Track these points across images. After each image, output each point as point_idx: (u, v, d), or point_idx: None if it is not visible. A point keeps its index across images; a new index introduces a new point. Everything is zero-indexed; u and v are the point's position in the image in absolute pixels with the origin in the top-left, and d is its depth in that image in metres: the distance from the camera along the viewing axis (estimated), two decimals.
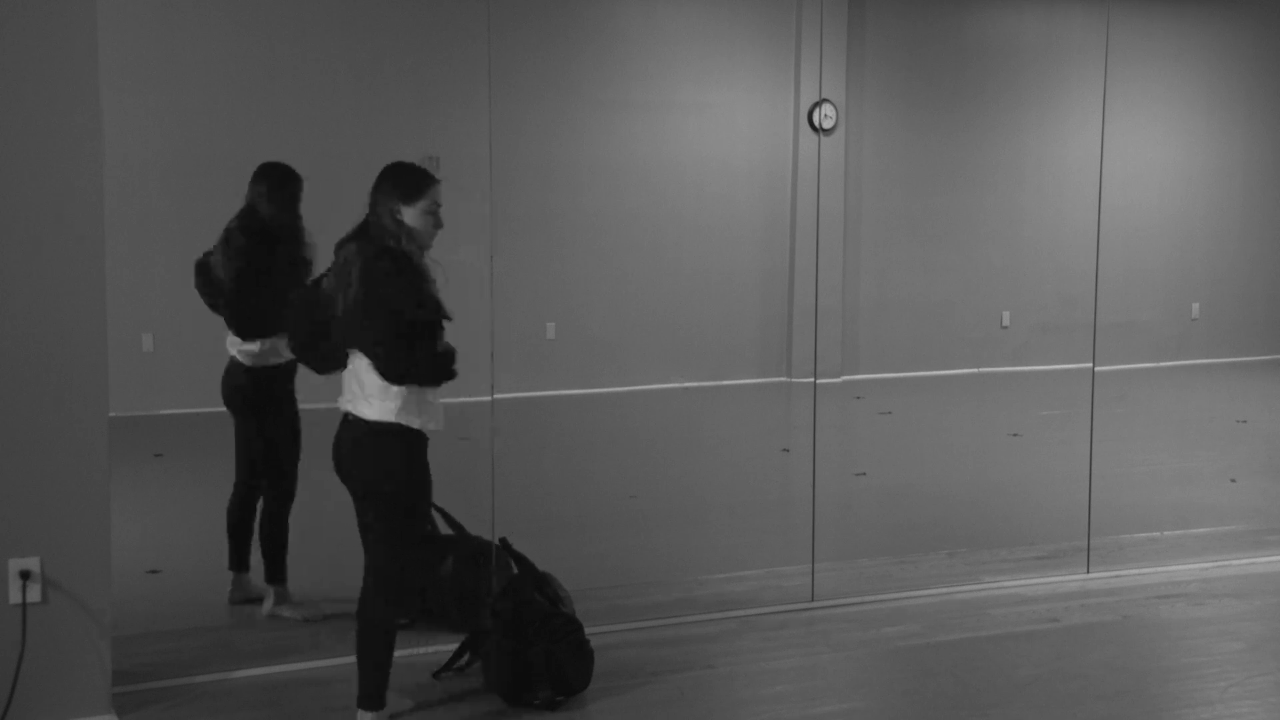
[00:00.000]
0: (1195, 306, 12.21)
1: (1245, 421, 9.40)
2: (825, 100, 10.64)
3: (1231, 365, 12.00)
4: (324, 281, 3.95)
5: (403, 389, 3.80)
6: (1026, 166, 11.54)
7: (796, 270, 10.86)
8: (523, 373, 9.61)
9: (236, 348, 4.92)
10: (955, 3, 11.28)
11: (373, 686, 3.92)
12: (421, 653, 4.56)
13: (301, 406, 5.01)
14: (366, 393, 3.83)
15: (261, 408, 4.92)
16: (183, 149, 9.10)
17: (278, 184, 4.94)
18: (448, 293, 3.88)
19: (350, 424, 3.89)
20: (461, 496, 5.03)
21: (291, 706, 4.18)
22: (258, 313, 4.78)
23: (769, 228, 10.90)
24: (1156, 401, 10.50)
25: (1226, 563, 5.83)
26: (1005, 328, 11.57)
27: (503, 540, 4.72)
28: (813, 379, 10.41)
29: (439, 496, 4.77)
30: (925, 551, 5.96)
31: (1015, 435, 8.90)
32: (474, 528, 5.02)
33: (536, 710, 4.15)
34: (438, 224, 3.91)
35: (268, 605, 4.98)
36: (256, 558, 5.11)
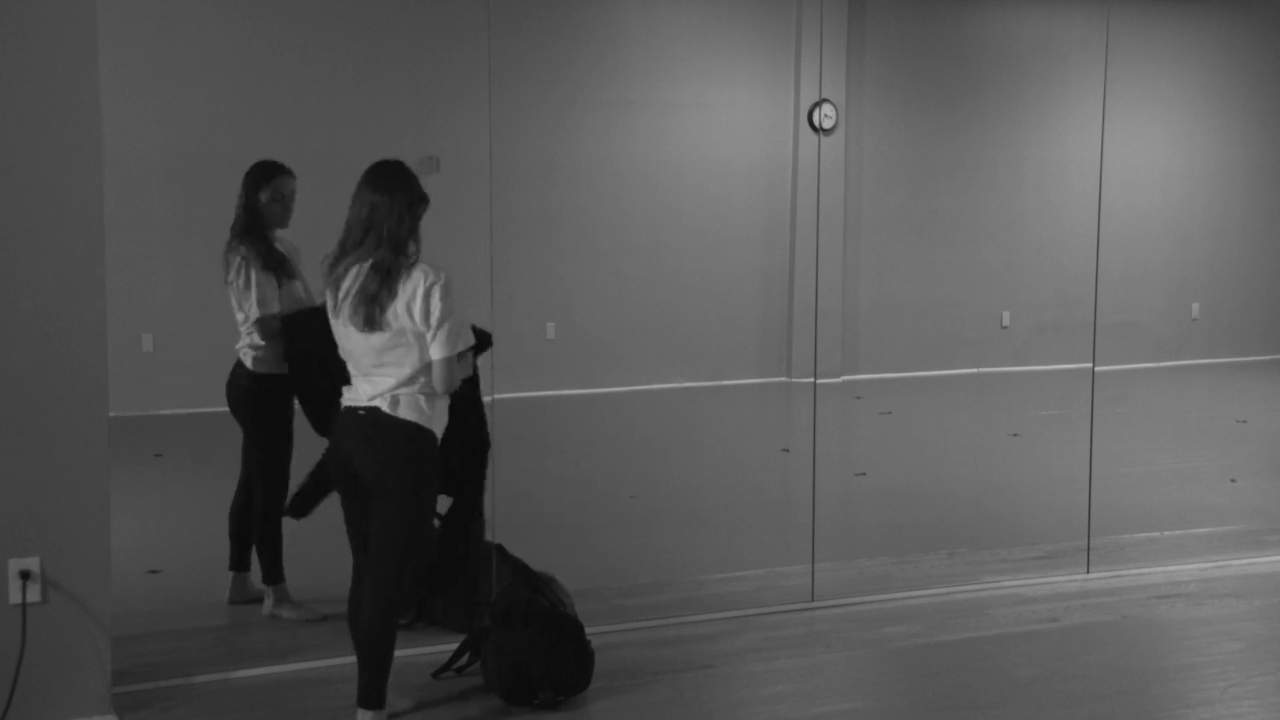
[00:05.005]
0: (1195, 306, 12.21)
1: (1245, 421, 9.40)
2: (825, 100, 10.64)
3: (1231, 365, 12.00)
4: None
5: (424, 395, 3.87)
6: (1026, 166, 11.54)
7: (796, 270, 10.86)
8: (523, 373, 9.61)
9: (244, 348, 4.92)
10: (955, 3, 11.28)
11: (374, 685, 3.92)
12: (421, 653, 4.55)
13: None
14: (388, 395, 3.88)
15: (266, 415, 4.92)
16: (183, 149, 9.09)
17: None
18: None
19: (373, 417, 3.88)
20: None
21: (291, 706, 4.18)
22: None
23: (769, 228, 10.90)
24: (1156, 401, 10.50)
25: (1226, 563, 5.83)
26: (1005, 328, 11.57)
27: (498, 547, 4.72)
28: (813, 379, 10.41)
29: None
30: (925, 551, 5.96)
31: (1015, 435, 8.90)
32: None
33: (536, 710, 4.14)
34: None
35: (268, 605, 4.99)
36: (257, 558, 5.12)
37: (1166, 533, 6.32)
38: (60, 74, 3.81)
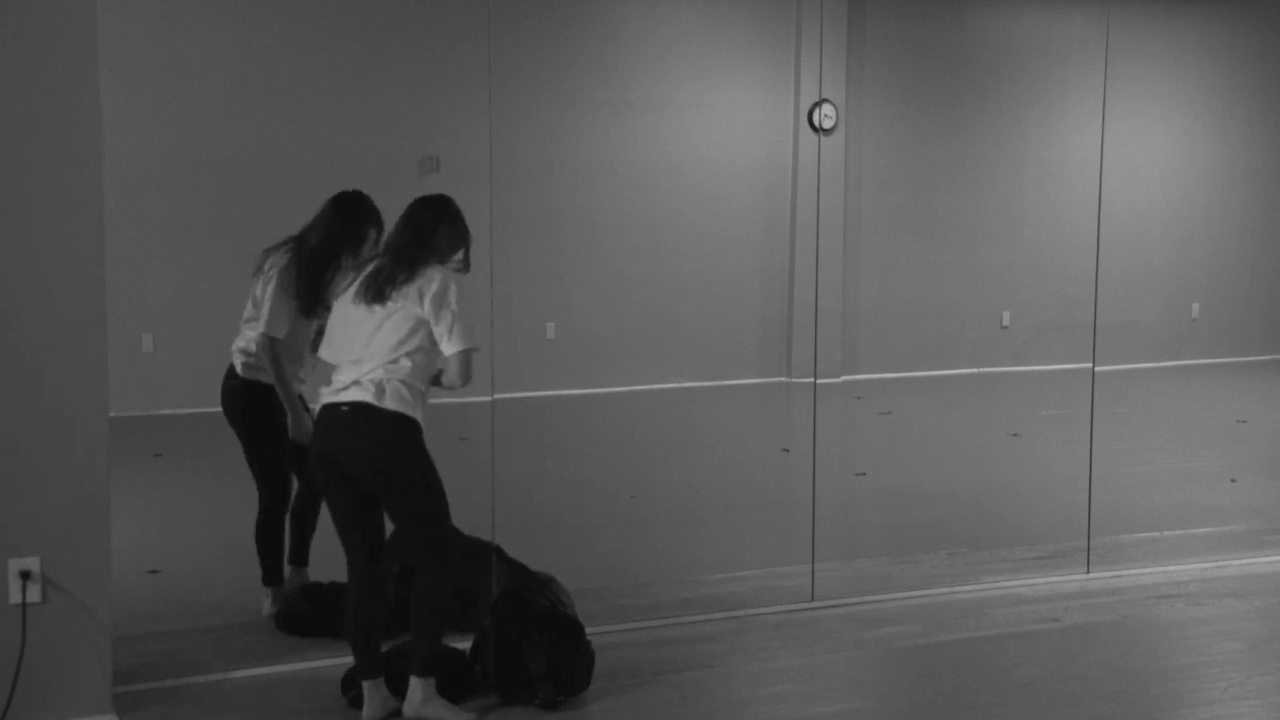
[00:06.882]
0: (1195, 306, 12.21)
1: (1245, 421, 9.40)
2: (825, 100, 10.64)
3: (1231, 365, 12.00)
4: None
5: (406, 385, 3.95)
6: (1026, 166, 11.54)
7: (796, 270, 10.86)
8: (523, 373, 9.61)
9: (237, 350, 4.88)
10: (955, 3, 11.28)
11: (429, 652, 4.03)
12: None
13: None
14: (371, 382, 3.93)
15: (256, 421, 4.86)
16: (183, 149, 9.09)
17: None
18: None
19: (357, 411, 3.93)
20: (461, 497, 5.02)
21: (291, 707, 4.18)
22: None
23: (769, 228, 10.90)
24: (1156, 401, 10.50)
25: (1226, 563, 5.83)
26: (1005, 328, 11.57)
27: (497, 549, 4.72)
28: (813, 379, 10.41)
29: None
30: (925, 551, 5.96)
31: (1015, 435, 8.90)
32: (474, 529, 5.01)
33: (536, 710, 4.15)
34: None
35: (267, 606, 4.98)
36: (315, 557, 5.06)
37: (1166, 533, 6.32)
38: (60, 74, 3.81)
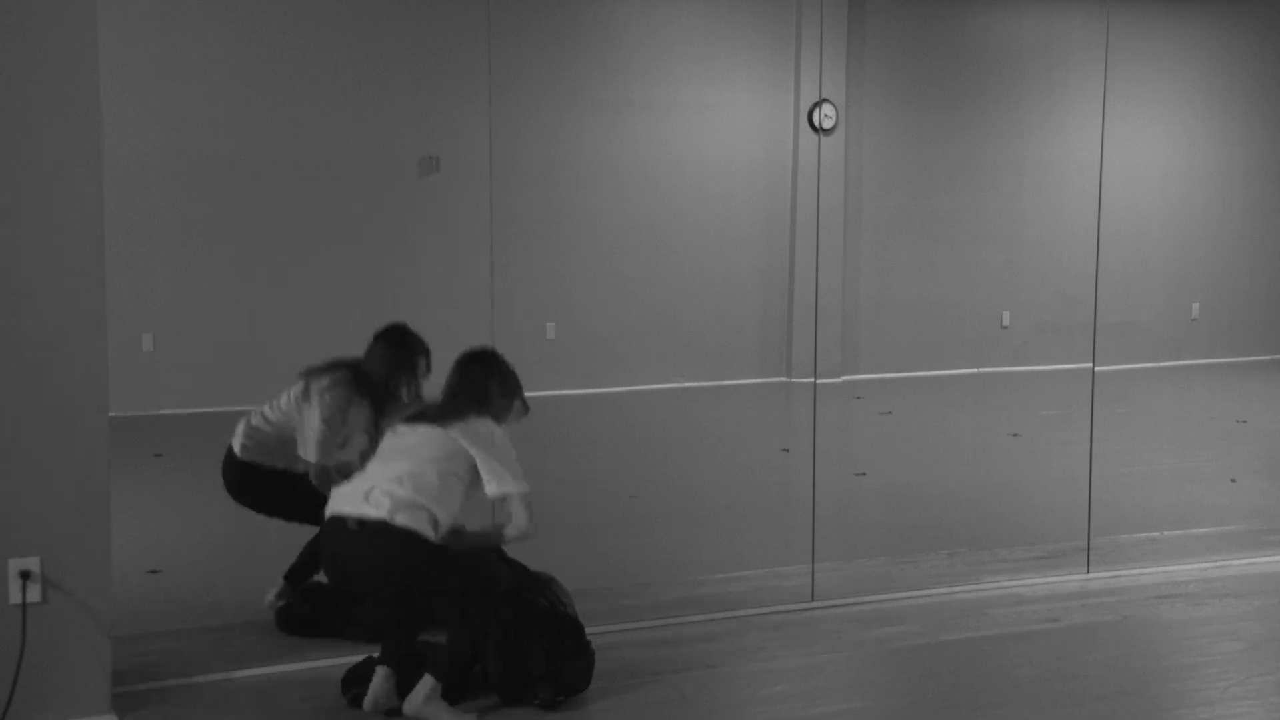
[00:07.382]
0: (1195, 306, 12.21)
1: (1245, 421, 9.40)
2: (825, 100, 10.64)
3: (1231, 365, 12.00)
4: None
5: (423, 506, 3.97)
6: (1026, 166, 11.54)
7: (796, 270, 10.86)
8: (522, 373, 9.57)
9: (240, 432, 4.85)
10: (955, 3, 11.29)
11: (464, 662, 4.10)
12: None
13: None
14: (389, 496, 3.96)
15: (263, 500, 4.87)
16: (183, 149, 9.09)
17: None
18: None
19: (366, 529, 3.94)
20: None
21: (291, 707, 4.18)
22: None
23: (769, 228, 10.91)
24: (1156, 401, 10.50)
25: (1226, 563, 5.83)
26: (1005, 328, 11.57)
27: (497, 549, 4.71)
28: (813, 379, 10.41)
29: None
30: (925, 551, 5.96)
31: (1015, 435, 8.90)
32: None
33: (536, 710, 4.14)
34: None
35: (270, 596, 4.97)
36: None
37: (1166, 533, 6.32)
38: (60, 74, 3.80)
